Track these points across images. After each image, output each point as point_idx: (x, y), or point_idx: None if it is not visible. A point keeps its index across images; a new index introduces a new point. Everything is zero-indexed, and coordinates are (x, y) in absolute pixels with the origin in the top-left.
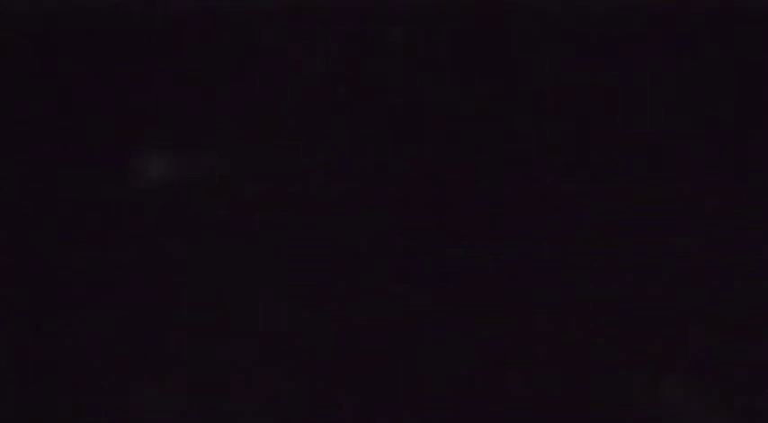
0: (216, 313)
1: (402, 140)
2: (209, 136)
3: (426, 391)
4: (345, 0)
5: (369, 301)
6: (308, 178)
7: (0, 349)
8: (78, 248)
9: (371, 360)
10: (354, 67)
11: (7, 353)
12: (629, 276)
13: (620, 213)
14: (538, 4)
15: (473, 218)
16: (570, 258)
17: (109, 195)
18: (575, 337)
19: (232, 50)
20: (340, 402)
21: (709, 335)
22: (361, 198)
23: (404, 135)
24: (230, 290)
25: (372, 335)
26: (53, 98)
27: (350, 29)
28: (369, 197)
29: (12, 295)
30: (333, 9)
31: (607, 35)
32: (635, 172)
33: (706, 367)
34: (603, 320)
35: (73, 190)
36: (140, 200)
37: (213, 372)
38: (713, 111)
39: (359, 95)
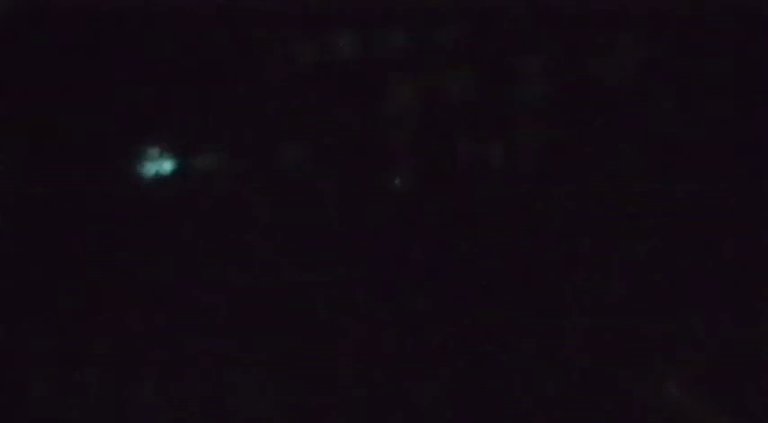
0: (215, 312)
1: (401, 139)
2: (209, 135)
3: (423, 392)
4: (344, 1)
5: (368, 302)
6: (307, 177)
7: (1, 348)
8: (78, 246)
9: (370, 361)
10: (353, 67)
11: (8, 351)
12: (630, 276)
13: (620, 214)
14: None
15: (473, 218)
16: (571, 258)
17: (109, 194)
18: (574, 337)
19: (232, 50)
20: (338, 403)
21: (709, 335)
22: (360, 198)
23: (403, 133)
24: (228, 290)
25: (370, 336)
26: (54, 97)
27: (349, 29)
28: (368, 197)
29: (12, 294)
30: (332, 9)
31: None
32: (635, 172)
33: (706, 367)
34: (603, 320)
35: (73, 188)
36: (140, 198)
37: (212, 372)
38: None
39: (358, 94)
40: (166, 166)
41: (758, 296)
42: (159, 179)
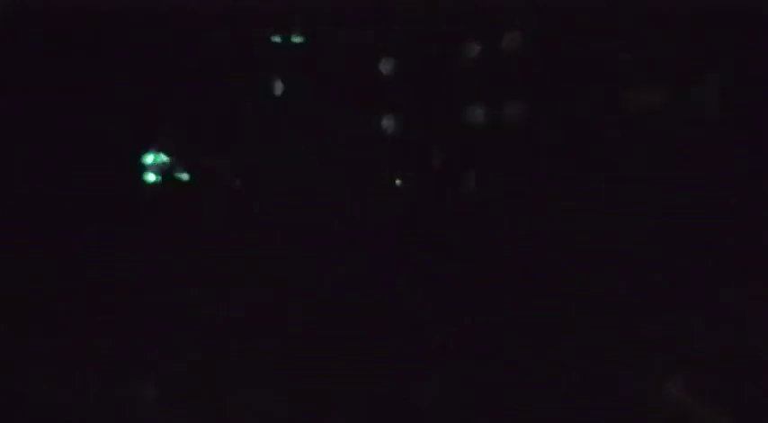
0: (215, 312)
1: (400, 137)
2: (209, 135)
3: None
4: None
5: (368, 302)
6: (306, 177)
7: (1, 348)
8: (78, 246)
9: (368, 364)
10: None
11: (8, 351)
12: (630, 276)
13: (622, 213)
14: None
15: (473, 217)
16: (571, 258)
17: (109, 194)
18: (574, 336)
19: (231, 51)
20: (338, 403)
21: (710, 335)
22: (359, 198)
23: (402, 132)
24: (227, 289)
25: (370, 335)
26: (54, 97)
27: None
28: (367, 197)
29: (12, 294)
30: (330, 10)
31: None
32: (635, 172)
33: (706, 367)
34: (603, 320)
35: (73, 188)
36: (141, 198)
37: (211, 372)
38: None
39: (356, 94)
40: (167, 165)
41: (758, 296)
42: (159, 179)
